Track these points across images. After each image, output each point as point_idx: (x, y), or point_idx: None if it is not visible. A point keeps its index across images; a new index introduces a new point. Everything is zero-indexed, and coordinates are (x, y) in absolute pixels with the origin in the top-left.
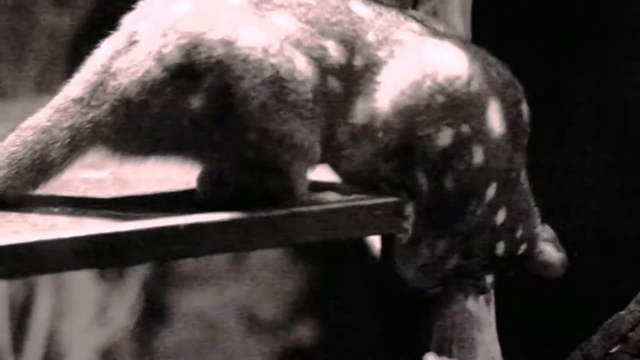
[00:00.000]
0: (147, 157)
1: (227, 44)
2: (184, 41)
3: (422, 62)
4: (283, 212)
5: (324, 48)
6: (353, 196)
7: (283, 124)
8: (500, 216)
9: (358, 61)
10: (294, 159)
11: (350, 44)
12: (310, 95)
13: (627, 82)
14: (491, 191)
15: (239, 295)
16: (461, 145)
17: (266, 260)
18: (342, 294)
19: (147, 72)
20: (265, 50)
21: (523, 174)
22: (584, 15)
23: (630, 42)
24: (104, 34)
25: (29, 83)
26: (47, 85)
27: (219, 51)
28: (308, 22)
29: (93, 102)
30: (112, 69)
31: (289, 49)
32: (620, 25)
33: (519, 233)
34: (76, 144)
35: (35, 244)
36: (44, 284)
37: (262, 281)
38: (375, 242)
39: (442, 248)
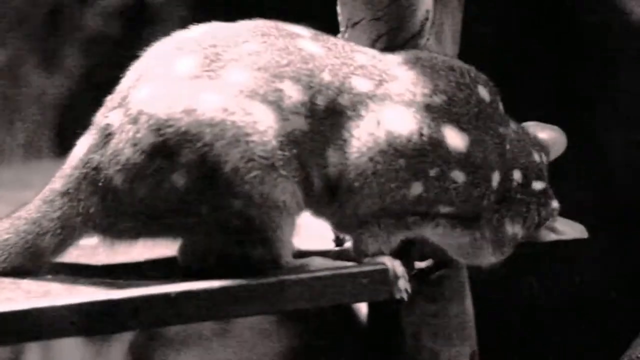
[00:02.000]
0: (137, 239)
1: (190, 113)
2: (152, 122)
3: (383, 128)
4: (271, 280)
5: (280, 90)
6: (339, 263)
7: (260, 183)
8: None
9: (320, 101)
10: (278, 222)
11: (306, 83)
12: (274, 142)
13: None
14: (494, 182)
15: (225, 357)
16: (437, 182)
17: (252, 321)
18: (328, 356)
19: (128, 159)
20: (224, 110)
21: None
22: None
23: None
24: (92, 99)
25: (17, 148)
26: (36, 150)
27: (185, 122)
28: (260, 69)
29: (80, 195)
30: (94, 163)
31: (246, 102)
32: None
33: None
34: (67, 233)
35: (28, 312)
36: (32, 347)
37: (248, 342)
38: (362, 306)
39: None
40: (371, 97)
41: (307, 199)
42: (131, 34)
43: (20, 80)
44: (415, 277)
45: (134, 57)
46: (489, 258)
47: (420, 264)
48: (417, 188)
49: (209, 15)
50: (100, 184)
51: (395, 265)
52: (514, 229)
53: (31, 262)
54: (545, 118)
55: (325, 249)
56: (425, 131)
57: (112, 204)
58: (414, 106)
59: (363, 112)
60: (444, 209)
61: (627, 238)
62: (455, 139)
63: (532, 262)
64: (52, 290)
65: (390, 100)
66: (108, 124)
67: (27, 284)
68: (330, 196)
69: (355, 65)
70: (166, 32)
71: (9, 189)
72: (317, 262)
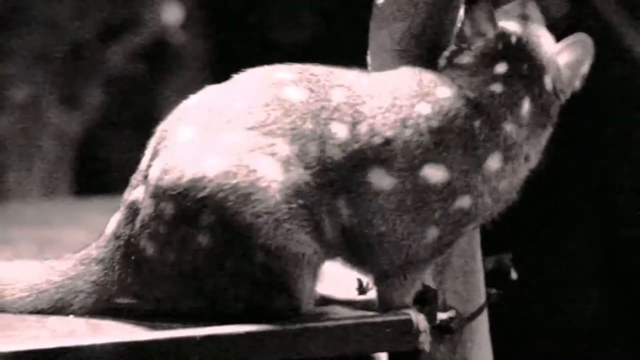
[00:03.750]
0: (171, 308)
1: (199, 181)
2: (168, 194)
3: (373, 189)
4: (294, 327)
5: (273, 144)
6: (362, 312)
7: (273, 237)
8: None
9: (312, 151)
10: (299, 273)
11: (292, 136)
12: (278, 197)
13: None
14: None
15: None
16: (447, 219)
17: None
18: None
19: (155, 231)
20: (227, 174)
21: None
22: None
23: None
24: (112, 137)
25: (36, 184)
26: (53, 187)
27: (197, 190)
28: (251, 128)
29: (115, 266)
30: (126, 237)
31: (247, 158)
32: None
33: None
34: (101, 298)
35: (55, 351)
36: None
37: None
38: (381, 354)
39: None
40: (349, 145)
41: (325, 247)
42: (152, 73)
43: (41, 117)
44: (438, 328)
45: (155, 96)
46: None
47: (442, 315)
48: (433, 232)
49: (229, 55)
50: (133, 256)
51: (419, 319)
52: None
53: (54, 312)
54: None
55: (349, 297)
56: (408, 185)
57: (147, 273)
58: (388, 162)
59: (353, 166)
60: (472, 226)
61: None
62: (434, 174)
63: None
64: (77, 330)
65: (366, 156)
66: (134, 201)
67: (52, 322)
68: (349, 248)
69: (332, 107)
70: (187, 72)
71: (29, 226)
72: (339, 310)
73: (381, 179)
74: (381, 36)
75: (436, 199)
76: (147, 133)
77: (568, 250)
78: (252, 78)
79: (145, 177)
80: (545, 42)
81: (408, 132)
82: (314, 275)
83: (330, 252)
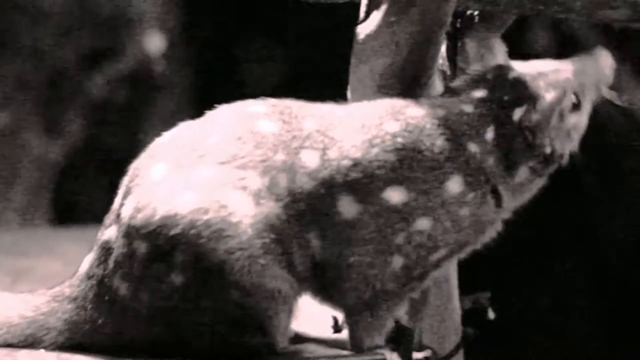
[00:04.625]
0: (144, 348)
1: (171, 219)
2: (141, 233)
3: (338, 218)
4: None
5: (244, 178)
6: (336, 351)
7: (248, 273)
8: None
9: (282, 182)
10: (274, 310)
11: (263, 168)
12: (250, 232)
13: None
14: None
15: None
16: (410, 245)
17: None
18: None
19: (128, 270)
20: (199, 210)
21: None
22: None
23: None
24: (93, 166)
25: (14, 213)
26: (33, 216)
27: (169, 228)
28: (223, 163)
29: (87, 305)
30: (99, 277)
31: (218, 193)
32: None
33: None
34: (72, 337)
35: None
36: None
37: None
38: None
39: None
40: (319, 172)
41: (298, 281)
42: (135, 102)
43: (21, 144)
44: None
45: (137, 125)
46: None
47: (417, 355)
48: (397, 261)
49: (212, 83)
50: (106, 295)
51: (393, 358)
52: None
53: (24, 347)
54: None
55: (323, 335)
56: (372, 210)
57: (119, 313)
58: (356, 186)
59: (322, 195)
60: (437, 256)
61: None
62: (394, 195)
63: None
64: None
65: (335, 182)
66: (106, 240)
67: (22, 356)
68: (317, 282)
69: (303, 136)
70: (169, 100)
71: (5, 255)
72: (313, 348)
73: (349, 207)
74: (362, 71)
75: (396, 221)
76: (128, 162)
77: (549, 289)
78: (225, 113)
79: (118, 216)
80: (545, 89)
81: (374, 151)
82: (290, 312)
83: (302, 285)
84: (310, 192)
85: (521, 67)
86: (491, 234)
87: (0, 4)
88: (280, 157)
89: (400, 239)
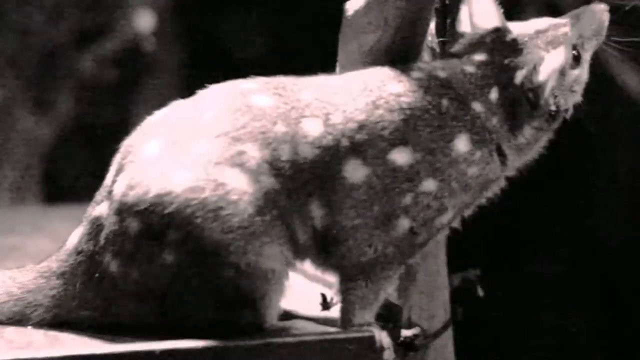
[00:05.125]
0: (131, 322)
1: (166, 196)
2: (133, 210)
3: (345, 182)
4: (256, 342)
5: (242, 152)
6: (325, 328)
7: (244, 253)
8: None
9: (284, 155)
10: (267, 290)
11: (263, 140)
12: (250, 209)
13: None
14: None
15: None
16: (417, 206)
17: None
18: None
19: (119, 247)
20: (195, 189)
21: None
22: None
23: None
24: (83, 145)
25: (4, 191)
26: (23, 194)
27: (163, 206)
28: (219, 135)
29: (76, 280)
30: (88, 253)
31: (215, 171)
32: None
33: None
34: (60, 313)
35: None
36: None
37: None
38: None
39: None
40: (323, 139)
41: (296, 253)
42: (125, 81)
43: (11, 123)
44: (402, 345)
45: (127, 104)
46: None
47: (406, 332)
48: (403, 224)
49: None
50: (95, 271)
51: (382, 336)
52: None
53: (11, 324)
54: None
55: (312, 313)
56: (378, 171)
57: (108, 289)
58: (362, 148)
59: (327, 162)
60: (443, 219)
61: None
62: (400, 156)
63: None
64: (34, 342)
65: (340, 147)
66: (97, 217)
67: (9, 333)
68: (318, 248)
69: (302, 105)
70: (159, 79)
71: None
72: (302, 326)
73: (355, 171)
74: (350, 48)
75: (403, 181)
76: (118, 141)
77: (538, 267)
78: (218, 91)
79: (110, 192)
80: (545, 49)
81: (379, 112)
82: (281, 291)
83: (300, 255)
84: (314, 160)
85: (518, 28)
86: (494, 191)
87: None
88: (280, 128)
89: (407, 200)
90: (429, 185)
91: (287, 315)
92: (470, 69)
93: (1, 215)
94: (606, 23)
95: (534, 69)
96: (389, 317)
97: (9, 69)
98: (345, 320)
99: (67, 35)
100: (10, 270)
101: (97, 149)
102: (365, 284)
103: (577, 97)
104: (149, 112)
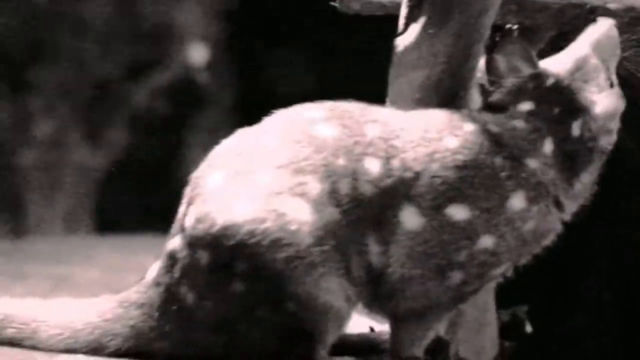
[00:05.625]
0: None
1: (230, 228)
2: (203, 243)
3: (403, 229)
4: None
5: (304, 183)
6: None
7: (303, 284)
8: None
9: (343, 188)
10: (326, 326)
11: (323, 172)
12: (308, 240)
13: None
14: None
15: None
16: (472, 262)
17: None
18: None
19: (195, 279)
20: (256, 219)
21: None
22: None
23: None
24: (134, 176)
25: (57, 220)
26: (75, 224)
27: (228, 238)
28: (281, 167)
29: (154, 313)
30: (165, 285)
31: (276, 201)
32: None
33: None
34: (138, 343)
35: None
36: None
37: None
38: None
39: None
40: (382, 181)
41: (356, 289)
42: (177, 113)
43: (64, 154)
44: None
45: (179, 136)
46: None
47: None
48: (457, 276)
49: (255, 96)
50: (173, 303)
51: None
52: None
53: (88, 352)
54: None
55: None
56: (435, 224)
57: (186, 320)
58: (418, 198)
59: (385, 203)
60: (498, 270)
61: None
62: (457, 212)
63: None
64: None
65: (398, 192)
66: (172, 250)
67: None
68: (371, 290)
69: (366, 142)
70: (212, 112)
71: (46, 262)
72: None
73: (411, 218)
74: (400, 83)
75: (460, 238)
76: (168, 173)
77: (586, 303)
78: (281, 118)
79: (182, 226)
80: (589, 90)
81: (435, 166)
82: (340, 328)
83: (357, 295)
84: (373, 199)
85: (552, 68)
86: (552, 239)
87: (42, 14)
88: (341, 162)
89: (462, 256)
90: (486, 242)
91: (337, 349)
92: (519, 124)
93: (54, 244)
94: (618, 38)
95: (589, 116)
96: (437, 352)
97: (63, 99)
98: (394, 353)
99: (121, 67)
100: (87, 299)
101: (148, 180)
102: (417, 325)
103: (618, 122)
104: (200, 144)
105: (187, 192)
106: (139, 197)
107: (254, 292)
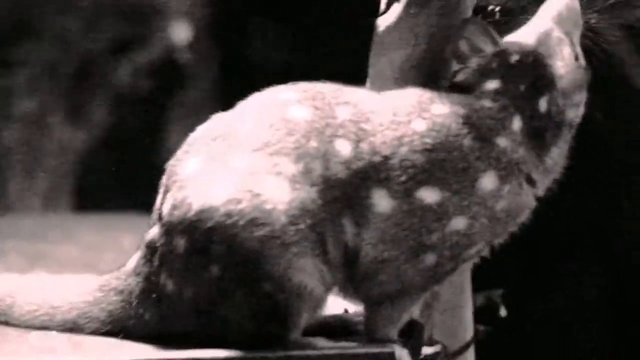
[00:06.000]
0: (185, 341)
1: (206, 212)
2: (179, 229)
3: (373, 211)
4: (279, 354)
5: (277, 164)
6: (345, 344)
7: (277, 264)
8: None
9: (316, 169)
10: (300, 308)
11: (296, 155)
12: (283, 219)
13: None
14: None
15: None
16: (445, 243)
17: None
18: None
19: (172, 266)
20: (232, 200)
21: None
22: None
23: None
24: (115, 155)
25: (37, 198)
26: (54, 202)
27: (204, 221)
28: (256, 150)
29: (133, 300)
30: (145, 274)
31: (252, 181)
32: None
33: None
34: (114, 329)
35: None
36: None
37: None
38: None
39: None
40: (353, 163)
41: (332, 270)
42: (160, 91)
43: (45, 131)
44: None
45: (162, 114)
46: None
47: (427, 350)
48: (430, 258)
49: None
50: (153, 292)
51: (402, 353)
52: None
53: (63, 331)
54: None
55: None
56: (405, 207)
57: (166, 308)
58: (388, 182)
59: (356, 184)
60: (472, 251)
61: None
62: (427, 195)
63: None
64: (57, 348)
65: (368, 175)
66: (151, 240)
67: (33, 337)
68: (346, 272)
69: (336, 124)
70: (194, 90)
71: (25, 239)
72: (323, 342)
73: (382, 201)
74: (381, 64)
75: (431, 220)
76: (150, 152)
77: (563, 288)
78: (256, 102)
79: (160, 215)
80: (554, 64)
81: (403, 150)
82: (314, 311)
83: (333, 276)
84: (345, 180)
85: (516, 45)
86: (526, 216)
87: None
88: (313, 144)
89: (434, 238)
90: (458, 223)
91: (311, 330)
92: (487, 103)
93: (32, 221)
94: (579, 9)
95: (555, 90)
96: (411, 334)
97: (45, 77)
98: (368, 335)
99: (103, 45)
100: (67, 276)
101: (129, 158)
102: (391, 307)
103: (585, 92)
104: (182, 124)
105: (164, 180)
106: (120, 175)
107: (230, 274)
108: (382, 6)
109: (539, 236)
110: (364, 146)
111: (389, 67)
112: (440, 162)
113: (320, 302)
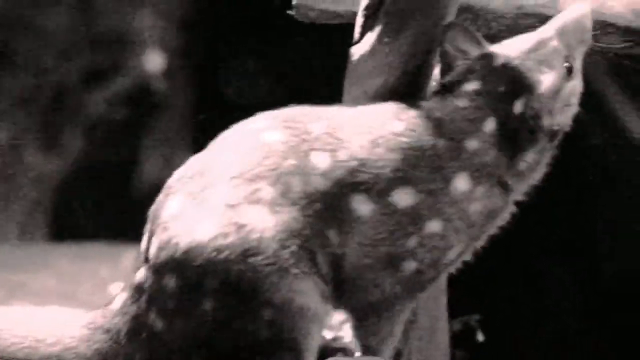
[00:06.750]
0: None
1: (194, 250)
2: (169, 268)
3: (351, 216)
4: None
5: (257, 190)
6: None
7: (277, 290)
8: None
9: (297, 186)
10: (307, 329)
11: (274, 177)
12: (274, 245)
13: None
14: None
15: None
16: (422, 248)
17: None
18: None
19: (162, 306)
20: (218, 236)
21: None
22: None
23: None
24: (91, 183)
25: (13, 227)
26: (31, 231)
27: (194, 259)
28: (234, 177)
29: (122, 340)
30: (132, 314)
31: (234, 213)
32: None
33: None
34: None
35: None
36: None
37: None
38: None
39: None
40: (332, 173)
41: (327, 284)
42: (134, 120)
43: (20, 160)
44: None
45: (136, 143)
46: None
47: None
48: (410, 265)
49: (213, 105)
50: (142, 332)
51: None
52: None
53: None
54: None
55: None
56: (382, 210)
57: (157, 347)
58: (366, 186)
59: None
60: (451, 255)
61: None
62: (402, 198)
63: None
64: None
65: (349, 186)
66: (139, 282)
67: None
68: (334, 281)
69: (311, 138)
70: (169, 119)
71: (2, 269)
72: None
73: (362, 206)
74: (355, 92)
75: (407, 224)
76: (125, 180)
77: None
78: (228, 136)
79: (146, 258)
80: (539, 70)
81: (378, 151)
82: (320, 330)
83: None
84: (325, 191)
85: (506, 49)
86: (504, 218)
87: (0, 21)
88: (290, 162)
89: (412, 242)
90: (433, 226)
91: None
92: (462, 102)
93: (8, 251)
94: (590, 26)
95: (532, 95)
96: None
97: (19, 107)
98: (362, 350)
99: (77, 75)
100: (53, 308)
101: (105, 187)
102: (377, 321)
103: (575, 109)
104: (157, 152)
105: (147, 225)
106: (95, 204)
107: (226, 305)
108: (356, 36)
109: (521, 233)
110: (341, 154)
111: (363, 95)
112: (415, 162)
113: (324, 320)
